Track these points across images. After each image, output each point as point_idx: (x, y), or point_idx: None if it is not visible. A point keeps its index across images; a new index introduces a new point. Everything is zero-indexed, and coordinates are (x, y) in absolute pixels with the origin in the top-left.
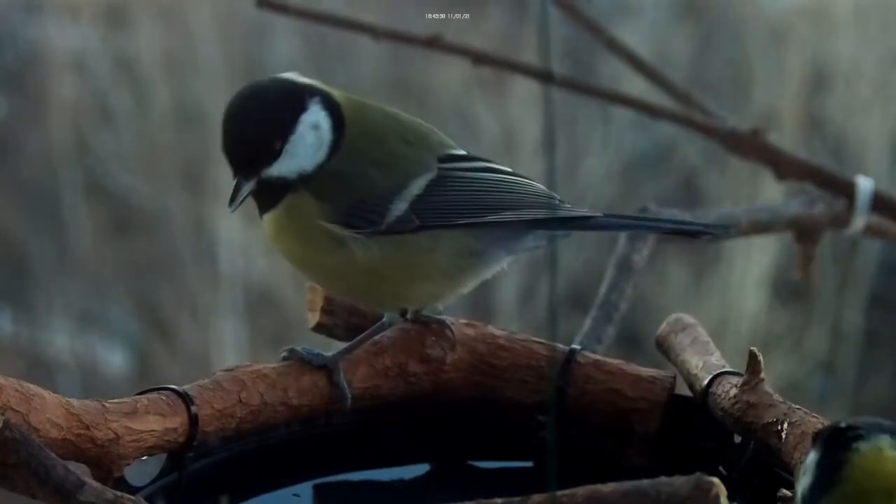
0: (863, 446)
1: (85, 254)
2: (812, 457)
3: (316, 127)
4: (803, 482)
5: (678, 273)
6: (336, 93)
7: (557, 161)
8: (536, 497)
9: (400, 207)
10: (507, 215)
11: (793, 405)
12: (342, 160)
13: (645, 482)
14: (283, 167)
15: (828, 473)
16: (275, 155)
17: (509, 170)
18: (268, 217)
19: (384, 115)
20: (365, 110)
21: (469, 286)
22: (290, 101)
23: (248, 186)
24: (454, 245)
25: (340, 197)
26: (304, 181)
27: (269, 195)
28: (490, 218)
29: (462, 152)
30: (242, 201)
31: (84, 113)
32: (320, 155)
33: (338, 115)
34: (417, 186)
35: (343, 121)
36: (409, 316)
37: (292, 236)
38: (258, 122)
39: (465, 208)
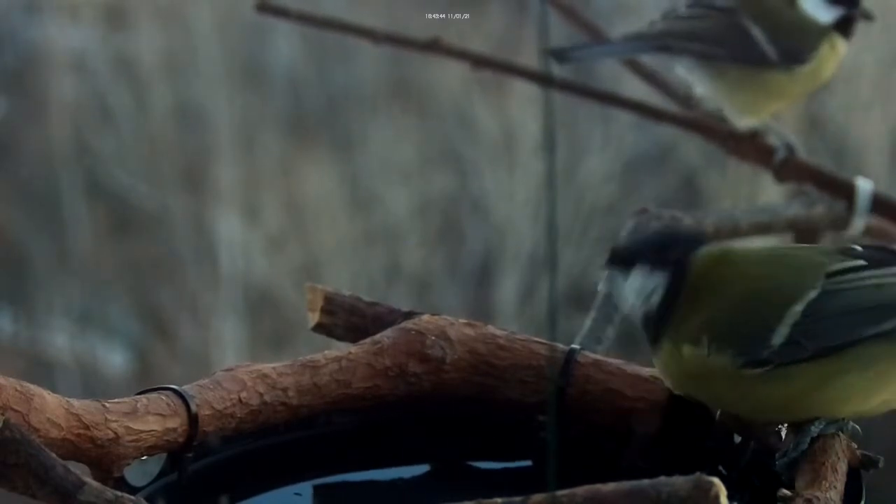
0: (692, 254)
1: (85, 254)
2: (652, 280)
3: (645, 292)
4: (651, 300)
5: None
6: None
7: (557, 161)
8: (536, 497)
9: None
10: None
11: None
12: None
13: (645, 482)
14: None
15: (677, 278)
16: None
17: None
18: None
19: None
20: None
21: None
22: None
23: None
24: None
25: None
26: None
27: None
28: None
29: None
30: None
31: (84, 113)
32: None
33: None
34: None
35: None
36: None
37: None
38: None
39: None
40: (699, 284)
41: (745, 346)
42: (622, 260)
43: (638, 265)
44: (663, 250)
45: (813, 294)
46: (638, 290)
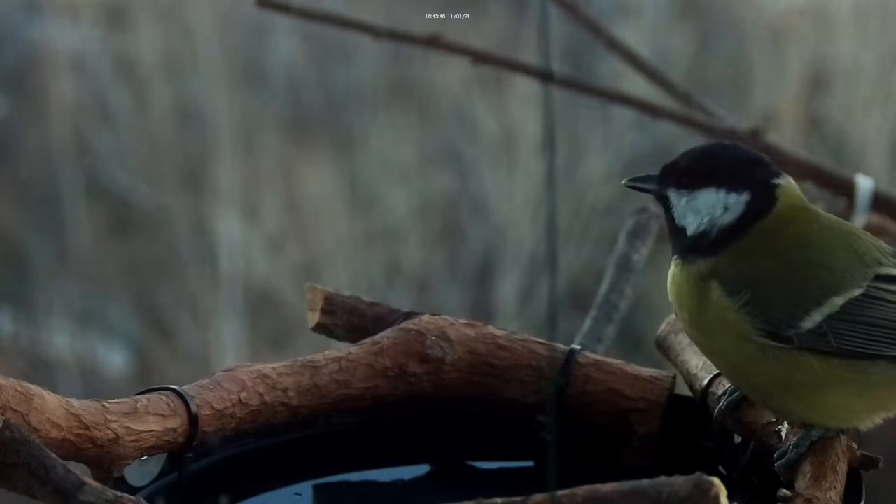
0: (781, 181)
1: (85, 254)
2: (732, 198)
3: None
4: (720, 219)
5: None
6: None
7: (557, 161)
8: (536, 497)
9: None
10: None
11: None
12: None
13: (645, 482)
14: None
15: (761, 203)
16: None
17: None
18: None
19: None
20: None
21: None
22: (747, 171)
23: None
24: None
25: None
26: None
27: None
28: None
29: None
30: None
31: (84, 113)
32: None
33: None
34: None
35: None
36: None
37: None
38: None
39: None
40: (783, 219)
41: (775, 317)
42: (687, 177)
43: (711, 184)
44: (745, 169)
45: (856, 292)
46: (707, 207)
